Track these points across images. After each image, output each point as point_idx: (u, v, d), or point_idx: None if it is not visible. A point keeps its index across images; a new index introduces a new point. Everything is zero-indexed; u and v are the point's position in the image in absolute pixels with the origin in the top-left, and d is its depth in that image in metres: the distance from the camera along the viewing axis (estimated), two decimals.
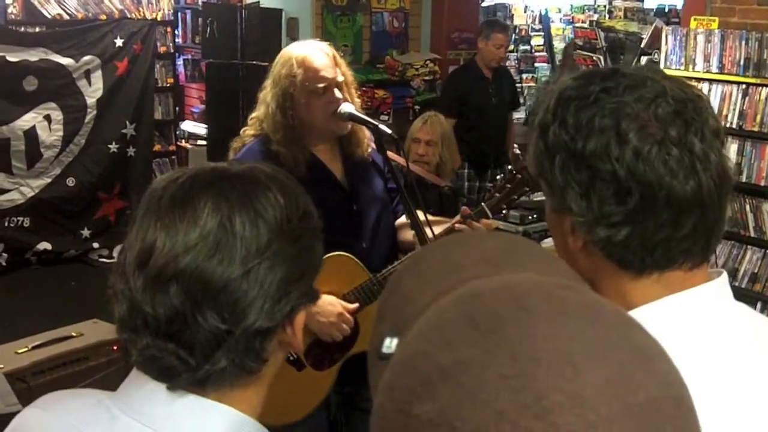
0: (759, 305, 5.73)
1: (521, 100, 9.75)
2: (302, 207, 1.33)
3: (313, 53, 3.20)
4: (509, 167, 3.35)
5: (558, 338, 0.63)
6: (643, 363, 0.65)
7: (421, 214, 3.12)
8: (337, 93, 3.17)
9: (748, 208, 5.87)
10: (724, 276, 1.32)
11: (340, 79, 3.21)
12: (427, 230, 3.09)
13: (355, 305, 3.24)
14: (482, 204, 3.24)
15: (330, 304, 3.20)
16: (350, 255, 3.25)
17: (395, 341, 0.75)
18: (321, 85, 3.15)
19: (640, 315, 1.22)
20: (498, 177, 3.34)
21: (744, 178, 5.83)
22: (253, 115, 3.32)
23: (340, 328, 3.22)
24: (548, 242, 5.16)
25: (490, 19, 9.35)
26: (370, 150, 3.37)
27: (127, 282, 1.24)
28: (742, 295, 5.39)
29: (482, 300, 0.68)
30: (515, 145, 8.10)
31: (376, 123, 3.19)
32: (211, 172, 1.31)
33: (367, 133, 3.36)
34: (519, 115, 8.66)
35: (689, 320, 1.26)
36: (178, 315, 1.21)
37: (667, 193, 1.20)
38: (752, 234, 5.91)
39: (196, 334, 1.22)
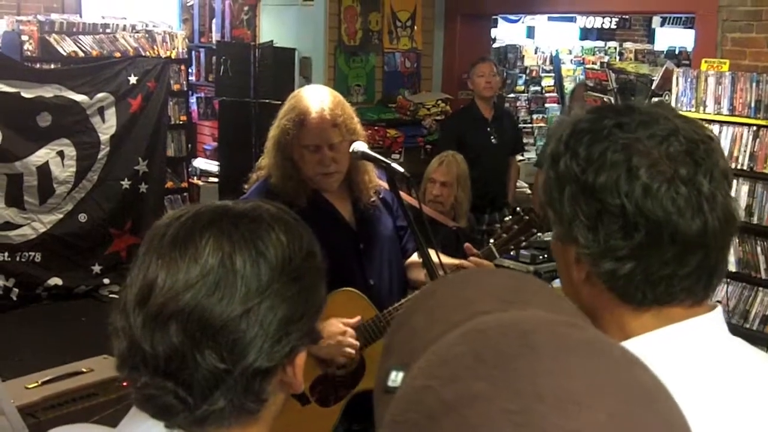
0: None
1: (532, 141, 9.76)
2: (306, 247, 1.32)
3: (314, 111, 3.19)
4: (518, 208, 3.34)
5: (562, 375, 0.63)
6: (646, 402, 0.65)
7: (433, 254, 3.11)
8: (331, 154, 3.18)
9: (759, 249, 5.85)
10: (719, 309, 1.33)
11: (336, 140, 3.19)
12: (440, 272, 3.08)
13: (357, 318, 3.23)
14: (490, 244, 3.25)
15: (330, 324, 3.17)
16: (358, 291, 3.26)
17: (401, 375, 0.75)
18: (311, 144, 3.17)
19: (637, 344, 1.25)
20: (506, 218, 3.33)
21: (755, 220, 5.83)
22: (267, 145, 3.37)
23: (348, 343, 3.19)
24: (558, 282, 5.14)
25: None
26: (377, 193, 3.38)
27: (127, 319, 1.24)
28: (753, 337, 5.35)
29: (488, 336, 0.68)
30: (526, 185, 8.10)
31: (388, 161, 3.20)
32: (214, 211, 1.30)
33: (373, 178, 3.36)
34: (530, 155, 8.65)
35: (684, 349, 1.27)
36: (177, 353, 1.20)
37: (673, 230, 1.22)
38: (763, 276, 5.88)
39: (194, 373, 1.21)
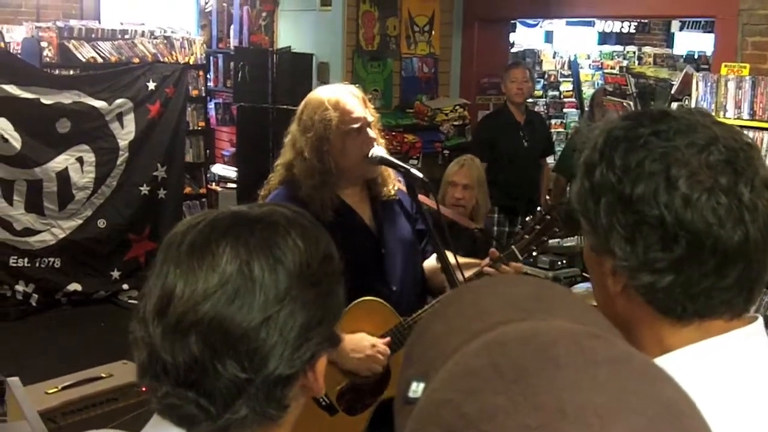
0: None
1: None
2: (323, 250, 1.32)
3: (344, 95, 3.22)
4: (539, 208, 3.32)
5: (584, 389, 0.61)
6: (672, 418, 0.63)
7: (451, 257, 3.10)
8: (370, 132, 3.20)
9: None
10: (760, 320, 1.29)
11: (371, 118, 3.23)
12: (458, 274, 3.07)
13: (387, 339, 3.23)
14: (512, 246, 3.23)
15: (361, 339, 3.20)
16: (381, 300, 3.25)
17: (421, 386, 0.74)
18: (356, 126, 3.17)
19: (677, 358, 1.22)
20: (528, 219, 3.32)
21: None
22: (279, 162, 3.33)
23: (377, 360, 3.20)
24: (578, 288, 5.12)
25: None
26: (396, 189, 3.38)
27: (146, 329, 1.23)
28: None
29: (508, 348, 0.67)
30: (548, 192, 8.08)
31: (407, 167, 3.20)
32: (230, 217, 1.30)
33: (392, 172, 3.37)
34: (548, 159, 8.63)
35: (725, 363, 1.23)
36: (197, 364, 1.20)
37: (713, 242, 1.18)
38: None
39: (216, 383, 1.20)
